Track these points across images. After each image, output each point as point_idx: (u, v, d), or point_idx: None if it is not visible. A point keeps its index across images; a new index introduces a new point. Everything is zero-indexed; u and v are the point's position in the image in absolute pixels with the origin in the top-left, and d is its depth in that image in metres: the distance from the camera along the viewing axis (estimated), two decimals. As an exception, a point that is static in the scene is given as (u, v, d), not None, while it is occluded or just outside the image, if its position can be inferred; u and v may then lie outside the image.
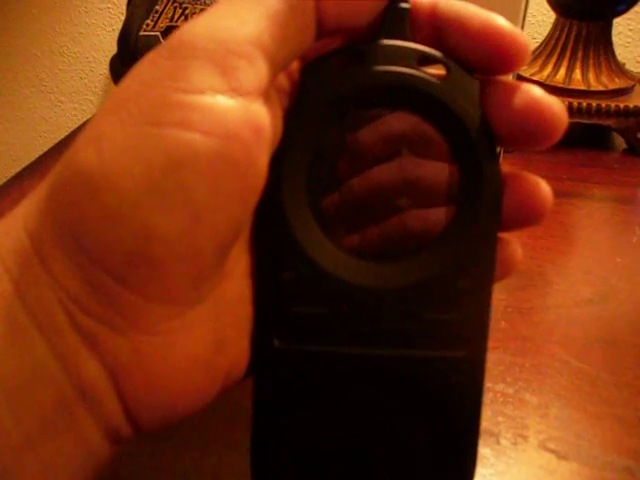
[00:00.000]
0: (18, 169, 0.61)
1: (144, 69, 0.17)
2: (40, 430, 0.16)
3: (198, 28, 0.17)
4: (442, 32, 0.20)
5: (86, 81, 0.98)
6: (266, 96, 0.18)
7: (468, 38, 0.19)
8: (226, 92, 0.16)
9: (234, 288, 0.20)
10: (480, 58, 0.19)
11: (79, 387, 0.17)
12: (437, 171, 0.21)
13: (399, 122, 0.21)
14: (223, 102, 0.16)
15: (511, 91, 0.19)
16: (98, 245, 0.16)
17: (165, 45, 0.17)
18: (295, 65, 0.20)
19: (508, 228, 0.20)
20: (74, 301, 0.17)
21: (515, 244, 0.21)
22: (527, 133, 0.19)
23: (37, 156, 0.63)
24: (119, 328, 0.17)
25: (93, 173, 0.16)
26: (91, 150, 0.16)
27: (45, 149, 0.66)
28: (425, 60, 0.20)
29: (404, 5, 0.20)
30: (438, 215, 0.21)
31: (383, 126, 0.21)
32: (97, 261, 0.16)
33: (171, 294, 0.17)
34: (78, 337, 0.17)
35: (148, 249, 0.16)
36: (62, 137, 0.68)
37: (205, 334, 0.19)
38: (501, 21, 0.19)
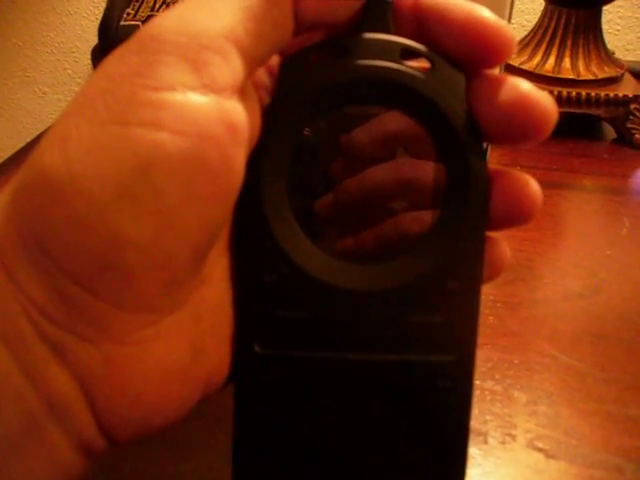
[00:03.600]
0: (0, 161, 0.60)
1: (112, 65, 0.16)
2: (5, 446, 0.16)
3: (169, 21, 0.16)
4: (425, 24, 0.19)
5: (70, 71, 0.97)
6: (242, 93, 0.17)
7: (451, 31, 0.18)
8: (198, 89, 0.16)
9: (212, 293, 0.19)
10: (464, 51, 0.18)
11: (47, 400, 0.16)
12: (433, 172, 0.20)
13: (394, 122, 0.20)
14: (195, 99, 0.16)
15: (498, 85, 0.18)
16: (65, 252, 0.16)
17: (134, 39, 0.16)
18: (275, 60, 0.19)
19: (496, 227, 0.20)
20: (40, 311, 0.16)
21: (503, 244, 0.21)
22: (515, 129, 0.18)
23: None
24: (89, 338, 0.16)
25: (58, 176, 0.15)
26: (56, 151, 0.15)
27: (29, 141, 0.65)
28: (409, 54, 0.19)
29: None
30: (434, 216, 0.20)
31: (377, 126, 0.21)
32: (64, 269, 0.16)
33: (144, 302, 0.17)
34: (45, 348, 0.16)
35: (118, 256, 0.16)
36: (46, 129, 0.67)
37: (182, 342, 0.18)
38: (485, 13, 0.18)
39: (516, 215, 0.19)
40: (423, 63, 0.19)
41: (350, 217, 0.21)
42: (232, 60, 0.16)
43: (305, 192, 0.21)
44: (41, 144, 0.16)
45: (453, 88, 0.19)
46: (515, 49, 0.18)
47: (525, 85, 0.18)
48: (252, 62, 0.17)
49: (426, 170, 0.21)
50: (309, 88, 0.19)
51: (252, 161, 0.18)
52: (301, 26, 0.18)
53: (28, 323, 0.16)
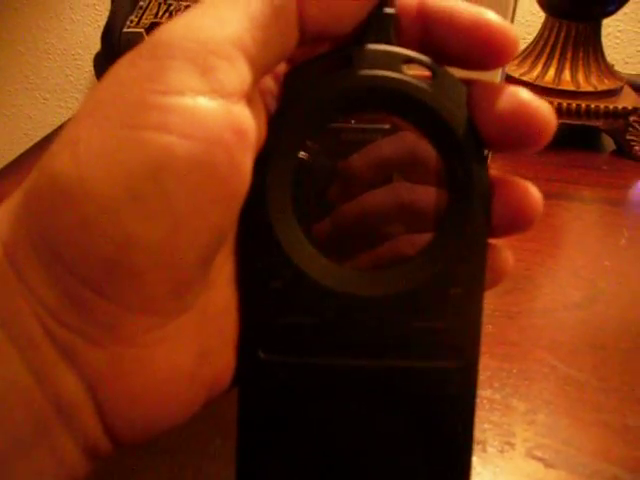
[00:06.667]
0: (2, 167, 0.60)
1: (122, 70, 0.17)
2: (13, 448, 0.16)
3: (177, 27, 0.17)
4: (430, 29, 0.19)
5: (72, 78, 0.97)
6: (249, 99, 0.17)
7: (457, 32, 0.19)
8: (206, 93, 0.16)
9: (218, 297, 0.19)
10: (469, 52, 0.19)
11: (55, 402, 0.16)
12: (430, 195, 0.21)
13: (390, 147, 0.21)
14: (203, 104, 0.16)
15: (499, 94, 0.19)
16: (75, 255, 0.16)
17: (144, 45, 0.17)
18: (283, 68, 0.20)
19: (498, 234, 0.20)
20: (50, 313, 0.16)
21: (506, 250, 0.21)
22: (515, 137, 0.19)
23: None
24: (98, 340, 0.16)
25: (69, 179, 0.15)
26: (67, 155, 0.16)
27: (30, 146, 0.65)
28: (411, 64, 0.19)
29: (389, 10, 0.19)
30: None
31: (374, 151, 0.21)
32: (74, 271, 0.16)
33: (152, 305, 0.17)
34: (54, 350, 0.16)
35: (127, 258, 0.16)
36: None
37: (188, 345, 0.18)
38: (490, 15, 0.18)
39: (517, 221, 0.19)
40: (425, 73, 0.19)
41: (346, 240, 0.21)
42: (239, 66, 0.16)
43: (314, 219, 0.21)
44: (52, 148, 0.16)
45: (455, 97, 0.19)
46: (518, 50, 0.19)
47: (524, 94, 0.19)
48: (258, 69, 0.17)
49: (422, 194, 0.21)
50: (314, 97, 0.19)
51: (257, 168, 0.18)
52: (306, 36, 0.18)
53: (38, 324, 0.16)
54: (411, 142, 0.20)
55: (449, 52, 0.19)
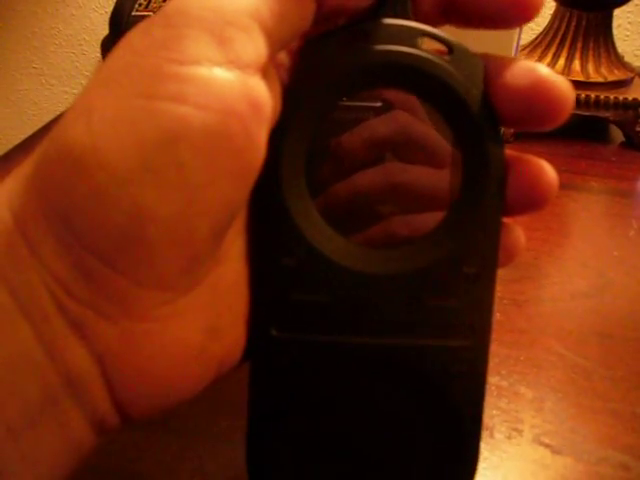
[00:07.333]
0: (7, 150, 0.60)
1: (136, 38, 0.16)
2: (22, 420, 0.16)
3: None
4: None
5: (77, 64, 0.97)
6: (264, 72, 0.17)
7: None
8: (223, 64, 0.16)
9: (229, 273, 0.19)
10: (489, 11, 0.18)
11: (65, 375, 0.16)
12: (423, 176, 0.20)
13: (383, 127, 0.21)
14: (220, 74, 0.15)
15: (516, 70, 0.18)
16: (87, 226, 0.16)
17: (160, 13, 0.16)
18: (297, 44, 0.19)
19: (512, 213, 0.20)
20: (61, 285, 0.16)
21: (518, 229, 0.21)
22: (532, 114, 0.18)
23: (26, 139, 0.62)
24: (108, 314, 0.16)
25: (82, 149, 0.15)
26: (80, 124, 0.15)
27: (35, 131, 0.65)
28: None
29: None
30: (424, 221, 0.20)
31: (367, 130, 0.21)
32: (86, 243, 0.16)
33: (163, 279, 0.17)
34: (65, 323, 0.16)
35: (140, 230, 0.15)
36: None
37: (199, 321, 0.18)
38: None
39: (532, 200, 0.19)
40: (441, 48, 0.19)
41: (339, 220, 0.21)
42: (256, 38, 0.16)
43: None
44: (65, 117, 0.16)
45: (471, 73, 0.19)
46: (541, 8, 0.18)
47: (542, 69, 0.18)
48: (274, 43, 0.17)
49: (414, 174, 0.21)
50: (329, 72, 0.19)
51: (271, 142, 0.18)
52: (323, 9, 0.18)
53: (49, 297, 0.16)
54: (404, 121, 0.20)
55: (467, 11, 0.19)
